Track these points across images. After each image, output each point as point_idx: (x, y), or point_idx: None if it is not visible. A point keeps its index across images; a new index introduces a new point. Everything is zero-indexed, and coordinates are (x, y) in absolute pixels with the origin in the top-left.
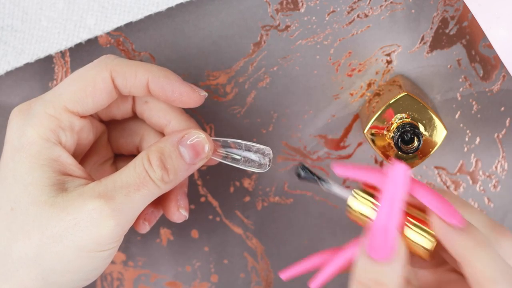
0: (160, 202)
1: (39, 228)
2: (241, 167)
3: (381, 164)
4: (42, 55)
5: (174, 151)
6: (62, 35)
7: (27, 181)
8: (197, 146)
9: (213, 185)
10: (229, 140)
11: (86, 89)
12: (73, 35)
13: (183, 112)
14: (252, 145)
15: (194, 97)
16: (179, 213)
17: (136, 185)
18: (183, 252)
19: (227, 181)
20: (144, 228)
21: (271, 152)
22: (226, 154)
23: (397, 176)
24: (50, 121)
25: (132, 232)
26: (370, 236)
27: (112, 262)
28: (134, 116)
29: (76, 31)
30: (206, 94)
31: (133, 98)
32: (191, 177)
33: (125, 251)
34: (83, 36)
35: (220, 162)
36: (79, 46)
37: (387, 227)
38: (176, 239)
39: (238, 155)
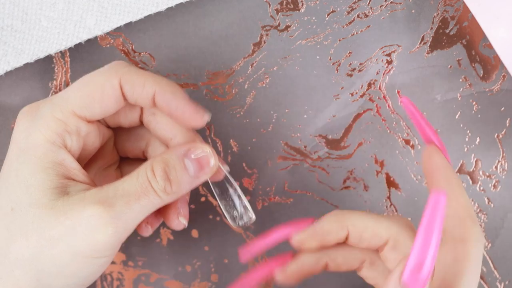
0: (160, 208)
1: (37, 230)
2: (220, 204)
3: (382, 164)
4: (42, 55)
5: (179, 163)
6: (62, 35)
7: (29, 183)
8: (202, 160)
9: None
10: (230, 177)
11: (95, 95)
12: (73, 35)
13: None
14: (244, 199)
15: (196, 118)
16: (178, 221)
17: (137, 194)
18: (183, 251)
19: None
20: (147, 231)
21: (253, 219)
22: (220, 184)
23: (437, 206)
24: (57, 124)
25: (132, 232)
26: (409, 267)
27: (112, 262)
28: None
29: (76, 31)
30: (209, 118)
31: (141, 108)
32: None
33: (125, 251)
34: (83, 36)
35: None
36: (79, 46)
37: (425, 260)
38: (176, 239)
39: (228, 192)
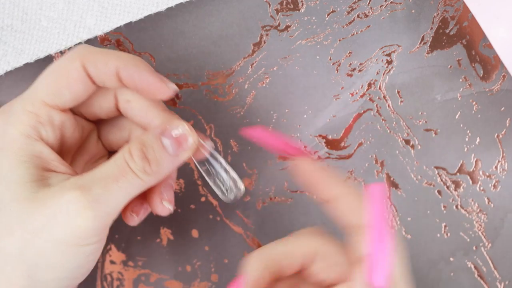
0: (145, 194)
1: (21, 224)
2: (209, 182)
3: (382, 164)
4: (42, 55)
5: (156, 142)
6: (62, 35)
7: (9, 179)
8: (179, 137)
9: None
10: (214, 152)
11: (61, 81)
12: (73, 35)
13: (166, 109)
14: (231, 171)
15: (161, 88)
16: (162, 206)
17: (114, 177)
18: (183, 251)
19: None
20: (133, 220)
21: (242, 190)
22: (205, 161)
23: (377, 197)
24: (29, 117)
25: (132, 232)
26: (371, 267)
27: (112, 262)
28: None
29: (76, 31)
30: (176, 88)
31: (116, 97)
32: (191, 176)
33: (125, 251)
34: (83, 36)
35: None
36: None
37: (384, 256)
38: (176, 239)
39: (214, 168)
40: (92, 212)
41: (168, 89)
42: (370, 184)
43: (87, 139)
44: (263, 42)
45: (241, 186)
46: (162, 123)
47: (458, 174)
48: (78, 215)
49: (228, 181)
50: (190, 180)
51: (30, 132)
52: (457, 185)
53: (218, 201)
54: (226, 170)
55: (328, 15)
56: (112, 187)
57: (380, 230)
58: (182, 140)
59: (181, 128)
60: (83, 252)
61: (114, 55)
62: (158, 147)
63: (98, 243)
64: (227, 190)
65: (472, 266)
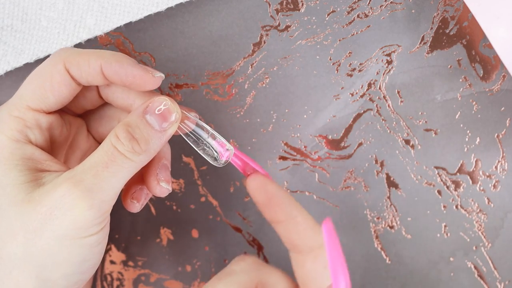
0: (142, 177)
1: (21, 226)
2: (198, 151)
3: (382, 164)
4: (42, 55)
5: (141, 120)
6: (62, 35)
7: (4, 183)
8: (163, 111)
9: (213, 185)
10: (199, 120)
11: (45, 85)
12: (73, 35)
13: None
14: (218, 136)
15: (147, 79)
16: (160, 186)
17: (104, 163)
18: (183, 251)
19: (227, 181)
20: (134, 207)
21: (232, 151)
22: (191, 131)
23: (332, 232)
24: (16, 122)
25: (132, 232)
26: None
27: (112, 262)
28: (107, 103)
29: (76, 31)
30: (162, 75)
31: (97, 85)
32: (191, 176)
33: (125, 251)
34: (83, 36)
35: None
36: (79, 46)
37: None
38: (176, 239)
39: (201, 137)
40: (87, 201)
41: (155, 78)
42: (324, 224)
43: (77, 136)
44: (263, 42)
45: (231, 148)
46: (144, 101)
47: (458, 174)
48: (73, 207)
49: (216, 147)
50: (190, 180)
51: (18, 136)
52: (457, 185)
53: (218, 201)
54: (213, 136)
55: (328, 15)
56: (103, 174)
57: (336, 264)
58: (166, 114)
59: (164, 103)
60: (87, 244)
61: (96, 54)
62: (143, 125)
63: (100, 233)
64: (217, 156)
65: (472, 266)
